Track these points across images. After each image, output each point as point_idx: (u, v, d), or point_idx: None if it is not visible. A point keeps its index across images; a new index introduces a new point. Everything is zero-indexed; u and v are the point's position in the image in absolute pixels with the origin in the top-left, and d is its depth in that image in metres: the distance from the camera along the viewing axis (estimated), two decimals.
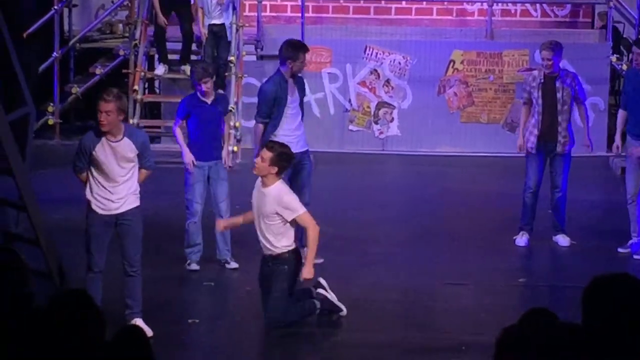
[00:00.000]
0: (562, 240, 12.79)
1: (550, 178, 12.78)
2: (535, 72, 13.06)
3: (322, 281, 10.53)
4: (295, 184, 11.71)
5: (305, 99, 17.25)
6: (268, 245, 10.15)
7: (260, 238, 10.22)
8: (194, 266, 11.78)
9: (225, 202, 11.81)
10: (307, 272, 10.20)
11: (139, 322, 9.81)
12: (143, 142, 9.97)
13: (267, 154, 10.11)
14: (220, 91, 16.74)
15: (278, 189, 10.10)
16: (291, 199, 10.16)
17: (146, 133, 10.51)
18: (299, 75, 12.12)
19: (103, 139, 9.68)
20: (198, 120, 11.86)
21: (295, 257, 10.26)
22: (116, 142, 9.71)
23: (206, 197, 11.73)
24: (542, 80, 12.65)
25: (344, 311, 10.53)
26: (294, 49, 11.91)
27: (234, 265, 11.76)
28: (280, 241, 10.13)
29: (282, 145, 10.48)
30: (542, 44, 12.99)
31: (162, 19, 16.94)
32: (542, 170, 12.75)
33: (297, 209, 10.08)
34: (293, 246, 10.23)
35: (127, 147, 9.76)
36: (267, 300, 10.16)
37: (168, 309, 10.75)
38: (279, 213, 10.02)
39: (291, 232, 10.19)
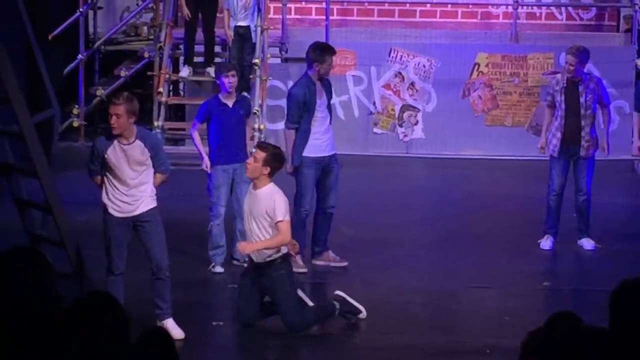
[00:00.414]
0: (587, 243, 12.73)
1: (574, 181, 12.73)
2: (559, 76, 13.07)
3: (340, 292, 10.45)
4: (322, 187, 11.76)
5: (331, 101, 17.38)
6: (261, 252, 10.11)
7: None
8: (219, 268, 11.77)
9: None
10: (243, 247, 10.19)
11: (169, 322, 9.87)
12: (155, 145, 9.98)
13: (260, 154, 10.04)
14: (244, 93, 16.79)
15: (270, 189, 10.02)
16: (282, 200, 10.01)
17: (159, 136, 10.49)
18: (326, 77, 12.10)
19: (115, 142, 9.69)
20: (220, 123, 11.85)
21: (288, 261, 10.19)
22: (128, 145, 9.71)
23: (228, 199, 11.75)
24: (565, 85, 12.63)
25: (364, 313, 10.45)
26: (322, 52, 11.91)
27: None
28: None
29: (275, 146, 10.52)
30: (568, 49, 12.97)
31: (186, 11, 16.93)
32: (565, 174, 12.72)
33: (281, 214, 9.93)
34: (284, 251, 10.11)
35: (139, 150, 9.76)
36: (281, 310, 10.07)
37: (193, 311, 10.75)
38: (268, 213, 9.91)
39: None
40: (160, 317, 9.92)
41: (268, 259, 10.02)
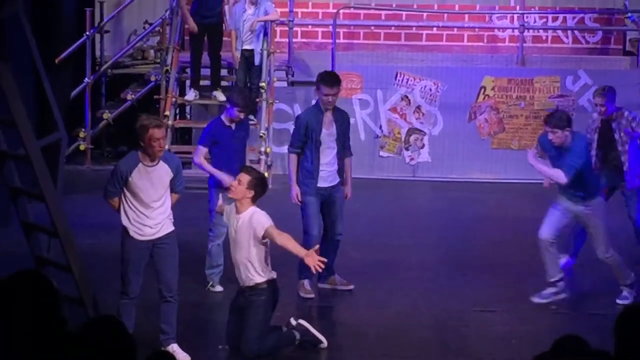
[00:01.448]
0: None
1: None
2: (595, 115, 13.19)
3: (303, 322, 10.47)
4: (327, 216, 11.75)
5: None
6: (244, 275, 10.03)
7: (237, 268, 10.13)
8: (218, 287, 11.84)
9: None
10: (308, 259, 10.01)
11: (175, 347, 9.88)
12: (177, 166, 10.07)
13: (244, 177, 10.05)
14: (251, 117, 16.81)
15: (251, 211, 9.98)
16: (261, 214, 9.99)
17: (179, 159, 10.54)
18: (341, 110, 12.09)
19: (140, 164, 9.76)
20: (223, 145, 11.93)
21: (272, 288, 10.12)
22: (152, 167, 9.78)
23: None
24: (600, 125, 12.91)
25: (325, 343, 10.44)
26: (317, 80, 11.92)
27: None
28: (256, 270, 9.99)
29: (259, 171, 10.72)
30: (595, 90, 13.28)
31: (192, 24, 16.98)
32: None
33: (264, 222, 9.91)
34: (270, 277, 10.09)
35: (163, 171, 9.85)
36: (241, 333, 10.03)
37: (198, 333, 10.76)
38: (254, 234, 9.88)
39: (267, 261, 10.07)
40: (165, 343, 9.93)
41: (252, 284, 10.02)
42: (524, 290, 12.15)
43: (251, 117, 16.96)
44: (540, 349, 4.75)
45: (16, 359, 4.32)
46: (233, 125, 11.95)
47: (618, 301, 11.47)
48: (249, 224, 9.97)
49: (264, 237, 9.90)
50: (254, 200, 10.10)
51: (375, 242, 13.63)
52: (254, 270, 10.04)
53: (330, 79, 12.06)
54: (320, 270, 10.17)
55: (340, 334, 10.75)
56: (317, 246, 10.24)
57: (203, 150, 12.08)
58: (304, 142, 11.71)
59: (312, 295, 11.51)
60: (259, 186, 10.11)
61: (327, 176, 11.73)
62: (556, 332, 4.87)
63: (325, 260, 10.12)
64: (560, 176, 11.13)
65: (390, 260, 12.56)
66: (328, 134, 11.76)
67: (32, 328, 4.47)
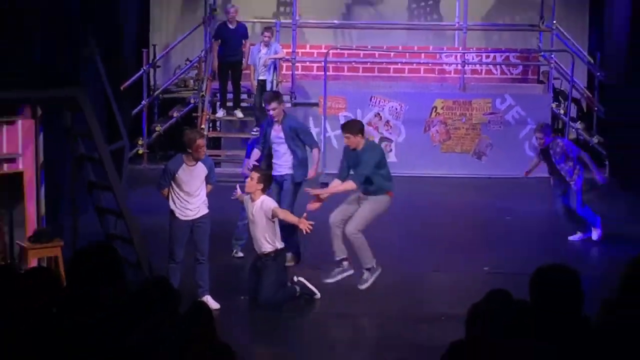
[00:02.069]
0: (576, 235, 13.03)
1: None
2: (536, 143, 12.99)
3: (301, 278, 10.43)
4: (277, 198, 11.29)
5: (327, 135, 17.38)
6: (260, 245, 10.07)
7: (254, 240, 10.17)
8: (240, 254, 11.76)
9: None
10: (300, 225, 10.00)
11: (208, 298, 9.87)
12: (211, 165, 10.08)
13: (255, 175, 10.12)
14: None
15: (262, 199, 10.06)
16: (269, 200, 10.10)
17: (212, 159, 10.55)
18: (290, 123, 11.58)
19: (184, 164, 9.80)
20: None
21: (281, 255, 10.20)
22: (193, 166, 9.82)
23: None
24: (540, 152, 12.83)
25: (318, 295, 10.40)
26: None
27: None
28: (268, 242, 10.05)
29: (266, 171, 10.54)
30: (536, 126, 13.20)
31: (214, 65, 17.27)
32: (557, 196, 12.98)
33: (271, 206, 10.00)
34: (279, 247, 10.13)
35: (201, 169, 9.88)
36: (260, 287, 10.09)
37: (225, 287, 10.71)
38: (265, 215, 9.96)
39: (275, 236, 10.09)
40: (201, 294, 9.91)
41: (266, 252, 10.06)
42: (466, 256, 12.15)
43: None
44: (476, 299, 4.74)
45: (92, 309, 4.31)
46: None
47: (359, 286, 10.29)
48: (260, 208, 10.02)
49: (272, 217, 9.96)
50: (264, 191, 10.15)
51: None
52: (267, 242, 10.07)
53: (266, 98, 11.84)
54: (309, 231, 10.03)
55: (327, 290, 10.70)
56: (306, 214, 10.11)
57: (248, 162, 11.82)
58: (264, 142, 11.54)
59: (292, 264, 11.25)
60: (266, 181, 10.20)
61: (275, 168, 11.42)
62: (488, 287, 4.84)
63: (313, 223, 10.01)
64: (351, 185, 10.34)
65: (366, 235, 12.49)
66: (277, 137, 11.47)
67: (104, 284, 4.45)
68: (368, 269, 10.33)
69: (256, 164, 11.27)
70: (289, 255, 11.02)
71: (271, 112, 11.37)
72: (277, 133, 11.49)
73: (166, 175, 9.91)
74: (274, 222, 10.05)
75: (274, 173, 11.31)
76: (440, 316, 9.97)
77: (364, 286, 10.29)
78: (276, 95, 11.71)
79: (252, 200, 10.11)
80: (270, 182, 10.40)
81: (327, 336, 9.60)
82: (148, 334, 4.61)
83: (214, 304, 9.79)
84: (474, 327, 4.58)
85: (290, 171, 11.53)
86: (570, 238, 12.94)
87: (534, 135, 13.00)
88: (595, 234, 12.93)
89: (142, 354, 4.39)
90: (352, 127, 10.55)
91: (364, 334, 9.62)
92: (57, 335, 4.16)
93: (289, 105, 17.84)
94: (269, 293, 10.05)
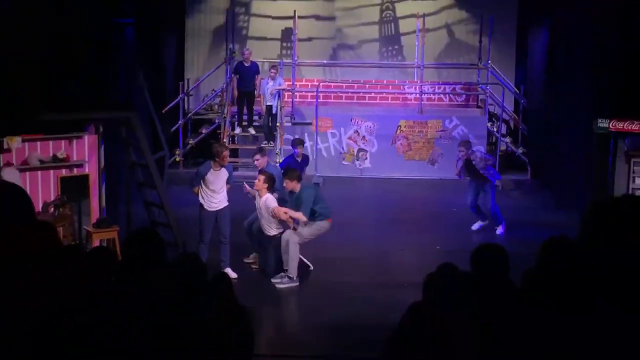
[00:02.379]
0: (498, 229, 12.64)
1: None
2: (460, 155, 12.41)
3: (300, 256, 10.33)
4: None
5: (318, 147, 17.37)
6: (265, 230, 10.09)
7: (261, 225, 10.13)
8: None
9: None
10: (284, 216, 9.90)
11: (229, 270, 9.87)
12: (231, 170, 10.13)
13: (261, 177, 10.04)
14: (271, 142, 16.74)
15: (266, 197, 10.01)
16: (271, 199, 10.01)
17: (231, 165, 10.52)
18: (273, 170, 10.69)
19: (211, 169, 9.80)
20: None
21: (279, 236, 10.06)
22: (218, 171, 9.82)
23: None
24: (464, 163, 12.39)
25: (311, 267, 10.39)
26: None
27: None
28: (271, 227, 10.04)
29: (270, 174, 10.25)
30: (460, 142, 12.74)
31: (235, 94, 17.12)
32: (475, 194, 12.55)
33: (270, 205, 9.92)
34: (278, 231, 10.06)
35: (224, 173, 9.92)
36: (268, 264, 10.14)
37: (240, 261, 10.72)
38: (267, 209, 9.94)
39: (276, 223, 10.02)
40: (222, 267, 9.92)
41: (270, 235, 10.07)
42: (424, 239, 12.15)
43: (271, 142, 16.97)
44: (430, 270, 4.74)
45: (139, 278, 4.31)
46: (299, 159, 11.89)
47: (274, 281, 9.89)
48: (265, 204, 9.99)
49: (272, 215, 9.94)
50: (269, 190, 10.09)
51: (337, 211, 13.56)
52: (269, 228, 10.05)
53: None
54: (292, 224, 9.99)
55: (317, 263, 10.70)
56: (286, 208, 10.02)
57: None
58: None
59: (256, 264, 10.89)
60: (270, 181, 10.11)
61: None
62: (440, 261, 4.84)
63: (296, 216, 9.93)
64: (302, 217, 9.92)
65: (347, 221, 12.53)
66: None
67: (149, 260, 4.44)
68: (290, 277, 9.93)
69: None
70: (253, 255, 10.80)
71: (255, 163, 10.84)
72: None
73: (198, 177, 9.93)
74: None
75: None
76: (403, 283, 9.99)
77: (280, 286, 9.85)
78: (260, 149, 11.09)
79: (260, 196, 10.10)
80: (273, 182, 10.18)
81: (317, 299, 9.61)
82: (184, 298, 4.62)
83: (232, 274, 9.79)
84: (429, 292, 4.58)
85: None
86: (473, 227, 12.76)
87: (458, 149, 12.50)
88: (499, 229, 12.62)
89: (180, 314, 4.39)
90: (291, 175, 10.17)
91: (346, 296, 9.62)
92: (114, 298, 4.17)
93: (289, 124, 17.87)
94: (275, 267, 10.05)
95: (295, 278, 9.93)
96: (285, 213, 9.96)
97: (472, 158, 12.28)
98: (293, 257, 9.89)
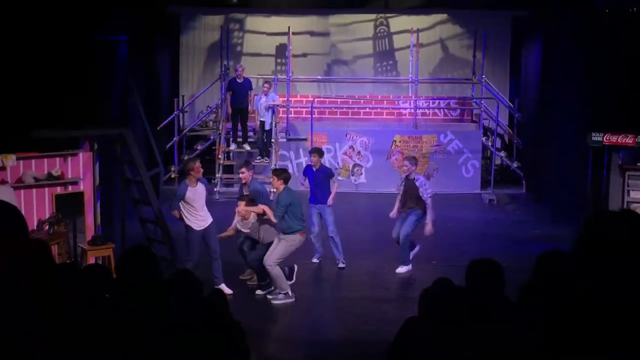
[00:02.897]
0: (400, 268, 11.21)
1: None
2: (404, 176, 11.33)
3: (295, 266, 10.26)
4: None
5: None
6: (264, 241, 10.03)
7: (260, 243, 10.09)
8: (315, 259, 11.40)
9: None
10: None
11: (223, 286, 9.80)
12: (206, 185, 10.07)
13: (241, 204, 9.96)
14: (265, 158, 16.74)
15: (253, 217, 10.00)
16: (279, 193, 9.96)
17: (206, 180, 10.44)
18: (258, 187, 10.58)
19: (188, 186, 9.72)
20: (311, 180, 11.51)
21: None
22: (195, 186, 9.76)
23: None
24: (404, 181, 11.31)
25: (293, 281, 10.07)
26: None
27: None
28: (268, 237, 9.99)
29: (280, 169, 10.30)
30: (406, 156, 11.71)
31: (229, 110, 17.09)
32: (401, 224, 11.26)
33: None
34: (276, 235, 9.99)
35: (201, 188, 9.84)
36: (255, 253, 10.02)
37: (233, 276, 10.69)
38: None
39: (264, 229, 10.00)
40: (217, 283, 9.86)
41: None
42: (418, 253, 12.02)
43: (266, 158, 16.98)
44: (426, 285, 4.74)
45: (132, 295, 4.29)
46: (314, 168, 11.50)
47: (270, 298, 9.86)
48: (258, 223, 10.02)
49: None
50: (285, 183, 9.97)
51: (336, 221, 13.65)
52: (267, 237, 10.01)
53: (239, 164, 10.87)
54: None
55: (313, 278, 10.66)
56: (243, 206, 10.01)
57: (303, 178, 11.74)
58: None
59: (250, 277, 10.80)
60: (284, 174, 10.05)
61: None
62: (435, 276, 4.83)
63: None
64: (269, 212, 9.89)
65: (343, 236, 12.47)
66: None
67: (143, 277, 4.43)
68: (285, 293, 9.88)
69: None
70: (248, 271, 10.71)
71: (240, 176, 10.63)
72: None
73: (177, 199, 9.81)
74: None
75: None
76: (399, 298, 9.97)
77: (274, 302, 9.80)
78: (245, 163, 10.94)
79: (247, 219, 9.97)
80: (288, 174, 10.12)
81: (313, 315, 9.57)
82: (180, 312, 4.60)
83: (227, 290, 9.74)
84: (425, 306, 4.57)
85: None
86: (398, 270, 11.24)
87: (403, 162, 11.41)
88: (400, 268, 11.18)
89: (176, 329, 4.37)
90: (278, 173, 10.14)
91: (342, 312, 9.58)
92: (108, 314, 4.15)
93: (284, 140, 17.88)
94: (259, 257, 9.94)
95: (290, 293, 9.87)
96: (246, 210, 9.91)
97: (416, 178, 11.21)
98: (275, 277, 9.76)
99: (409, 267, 11.15)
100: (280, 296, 9.83)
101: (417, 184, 11.15)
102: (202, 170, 9.83)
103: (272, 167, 16.62)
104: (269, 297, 9.91)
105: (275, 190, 10.18)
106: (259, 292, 10.13)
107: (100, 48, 12.58)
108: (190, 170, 9.74)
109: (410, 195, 11.16)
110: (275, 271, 9.74)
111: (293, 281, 10.11)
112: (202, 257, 9.95)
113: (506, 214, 15.58)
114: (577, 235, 3.87)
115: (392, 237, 11.28)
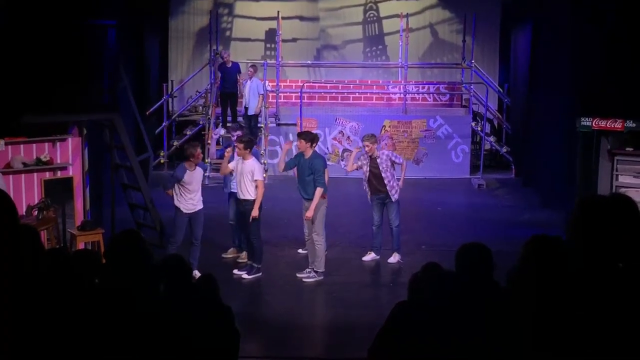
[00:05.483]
0: (392, 257, 10.98)
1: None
2: (364, 150, 10.75)
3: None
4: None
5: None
6: (242, 195, 9.91)
7: (239, 189, 9.97)
8: (372, 255, 11.12)
9: None
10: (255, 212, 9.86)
11: (196, 272, 9.70)
12: (205, 168, 10.04)
13: (240, 145, 9.85)
14: (317, 152, 16.70)
15: (251, 161, 9.89)
16: (255, 166, 9.85)
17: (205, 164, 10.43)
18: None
19: (187, 170, 9.71)
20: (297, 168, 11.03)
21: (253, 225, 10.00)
22: (193, 170, 9.75)
23: None
24: (369, 160, 10.77)
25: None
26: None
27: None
28: (249, 193, 9.87)
29: (249, 138, 10.12)
30: (365, 135, 10.88)
31: (217, 96, 17.10)
32: (381, 211, 10.94)
33: (259, 175, 9.82)
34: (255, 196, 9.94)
35: (199, 172, 9.82)
36: (244, 225, 10.02)
37: (213, 262, 10.69)
38: (252, 173, 9.82)
39: (254, 188, 9.87)
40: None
41: (246, 199, 9.88)
42: (408, 238, 12.05)
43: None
44: (415, 270, 4.75)
45: (125, 276, 4.29)
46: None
47: (299, 275, 10.07)
48: (250, 167, 9.87)
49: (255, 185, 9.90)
50: (250, 152, 9.90)
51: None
52: (247, 193, 9.91)
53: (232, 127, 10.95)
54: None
55: (304, 264, 10.67)
56: (311, 210, 10.02)
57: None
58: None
59: (231, 256, 10.98)
60: (251, 143, 9.95)
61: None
62: (424, 260, 4.85)
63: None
64: (319, 193, 9.91)
65: (332, 221, 12.48)
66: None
67: (132, 260, 4.43)
68: (317, 272, 10.09)
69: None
70: (231, 249, 10.75)
71: (234, 139, 10.48)
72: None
73: (173, 179, 9.81)
74: (255, 181, 9.90)
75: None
76: (389, 283, 9.99)
77: (306, 280, 10.03)
78: (240, 126, 10.75)
79: (244, 160, 9.93)
80: (253, 143, 10.07)
81: (304, 300, 9.58)
82: (170, 296, 4.60)
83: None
84: (414, 291, 4.58)
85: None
86: (364, 258, 11.08)
87: (362, 142, 10.81)
88: (393, 257, 10.94)
89: (167, 311, 4.38)
90: (305, 136, 10.10)
91: (332, 297, 9.61)
92: (98, 300, 4.14)
93: (273, 125, 17.85)
94: (253, 228, 9.95)
95: (321, 273, 10.09)
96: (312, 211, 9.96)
97: (378, 156, 10.60)
98: (320, 254, 10.01)
99: (400, 256, 11.13)
100: (312, 274, 10.09)
101: (384, 158, 10.61)
102: (202, 156, 9.85)
103: (262, 151, 16.59)
104: (300, 275, 10.05)
105: (301, 153, 9.90)
106: (236, 271, 10.20)
107: (89, 33, 12.51)
108: (190, 156, 9.73)
109: (377, 176, 10.70)
110: (321, 249, 10.01)
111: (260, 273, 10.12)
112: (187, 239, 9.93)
113: (495, 198, 15.61)
114: (570, 217, 3.87)
115: (374, 224, 11.03)
